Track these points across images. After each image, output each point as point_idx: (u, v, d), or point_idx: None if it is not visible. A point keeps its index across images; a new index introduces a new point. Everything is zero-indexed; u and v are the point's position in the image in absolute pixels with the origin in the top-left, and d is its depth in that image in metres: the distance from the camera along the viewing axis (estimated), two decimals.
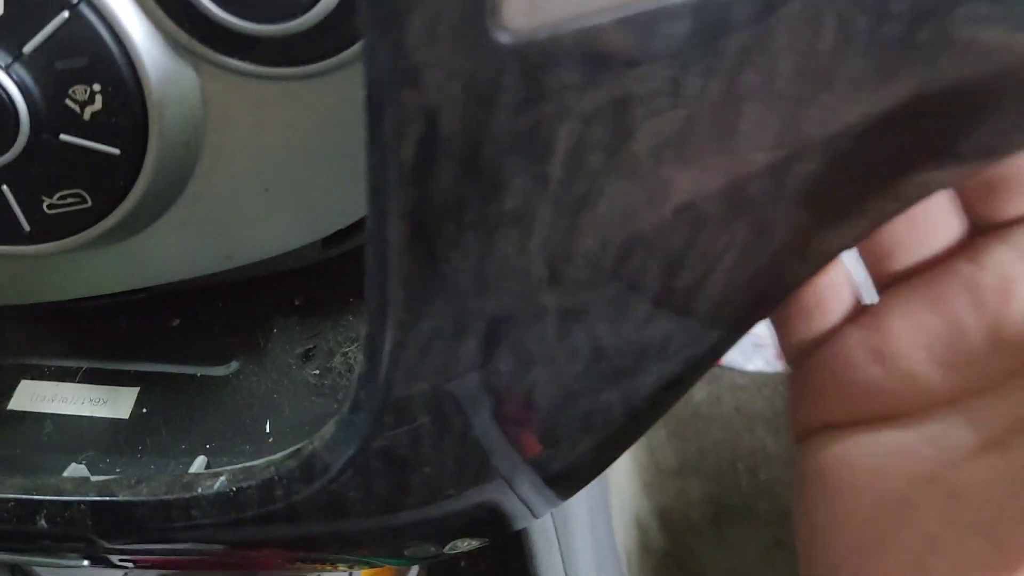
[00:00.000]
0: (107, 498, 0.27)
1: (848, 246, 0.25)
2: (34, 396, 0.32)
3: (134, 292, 0.33)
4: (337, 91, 0.28)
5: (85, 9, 0.24)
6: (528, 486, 0.27)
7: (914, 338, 0.26)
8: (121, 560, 0.30)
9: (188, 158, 0.28)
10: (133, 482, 0.27)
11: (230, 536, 0.27)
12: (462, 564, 0.66)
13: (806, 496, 0.28)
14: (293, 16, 0.24)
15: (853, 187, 0.23)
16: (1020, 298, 0.24)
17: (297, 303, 0.34)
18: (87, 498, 0.27)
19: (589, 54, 0.17)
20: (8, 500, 0.27)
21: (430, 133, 0.17)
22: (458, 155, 0.18)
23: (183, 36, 0.25)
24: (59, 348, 0.34)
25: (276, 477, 0.26)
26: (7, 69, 0.25)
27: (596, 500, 0.84)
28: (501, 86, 0.17)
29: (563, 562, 0.64)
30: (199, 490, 0.26)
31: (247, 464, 0.27)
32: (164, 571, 0.43)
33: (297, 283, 0.34)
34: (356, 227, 0.32)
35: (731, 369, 1.14)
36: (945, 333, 0.25)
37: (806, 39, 0.19)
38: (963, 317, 0.25)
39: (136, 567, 0.31)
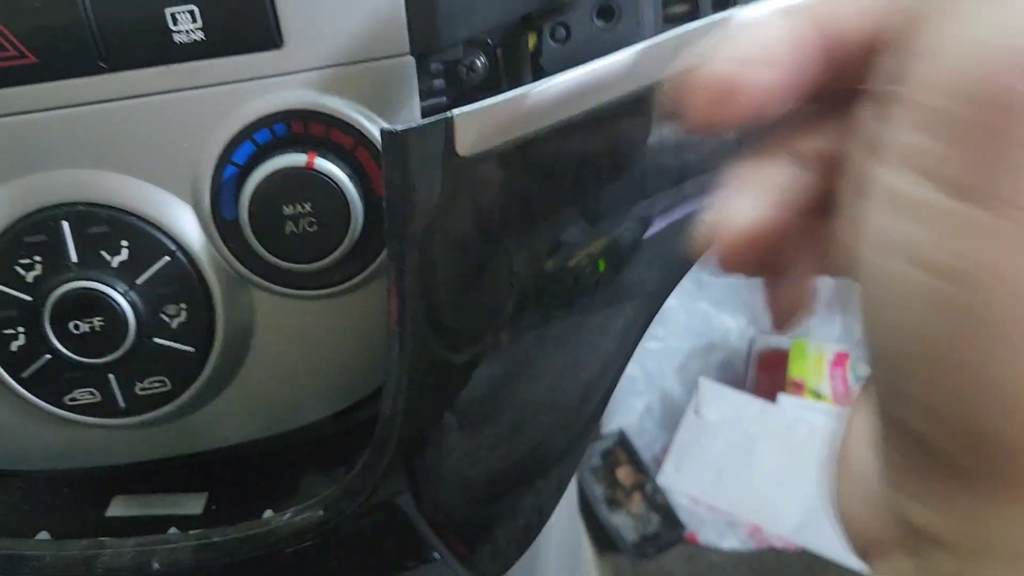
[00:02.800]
0: (205, 541, 0.36)
1: None
2: (127, 504, 0.42)
3: (190, 456, 0.43)
4: (349, 304, 0.39)
5: (180, 255, 0.36)
6: None
7: None
8: None
9: (240, 354, 0.39)
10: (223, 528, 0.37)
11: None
12: None
13: None
14: (318, 259, 0.36)
15: None
16: None
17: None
18: (191, 543, 0.37)
19: (504, 164, 0.31)
20: (128, 550, 0.37)
21: (423, 215, 0.31)
22: (440, 227, 0.31)
23: (244, 271, 0.37)
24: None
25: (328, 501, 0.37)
26: (125, 295, 0.36)
27: None
28: (459, 182, 0.31)
29: None
30: (272, 524, 0.36)
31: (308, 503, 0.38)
32: None
33: (313, 450, 0.44)
34: (359, 406, 0.42)
35: (706, 548, 1.20)
36: None
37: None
38: None
39: None
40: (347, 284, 0.38)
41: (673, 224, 0.38)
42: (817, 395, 1.04)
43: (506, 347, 0.36)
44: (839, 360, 1.05)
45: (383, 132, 0.31)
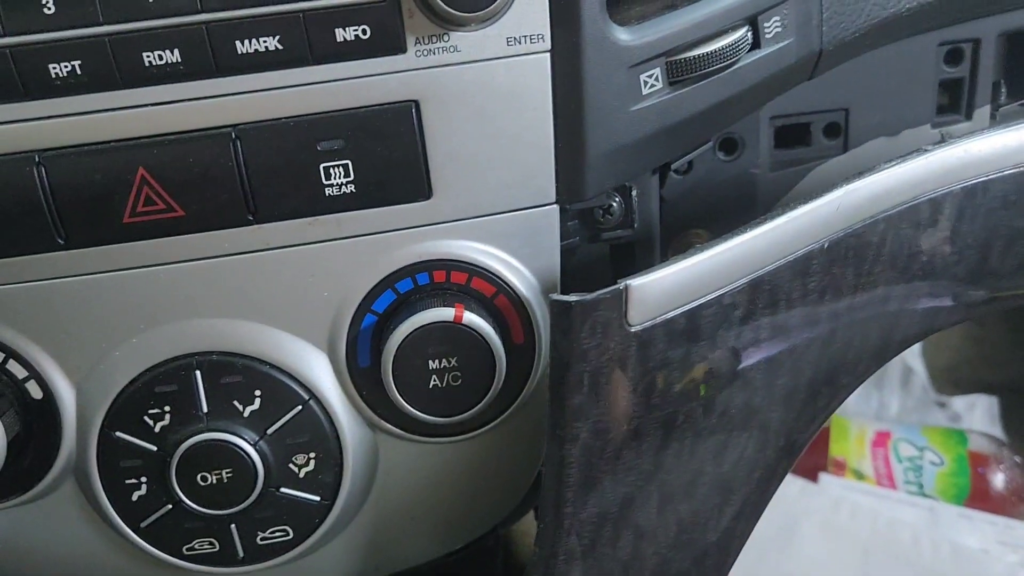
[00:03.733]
0: None
1: None
2: None
3: None
4: (474, 447, 0.38)
5: (313, 404, 0.35)
6: None
7: None
8: None
9: (363, 498, 0.38)
10: None
11: None
12: None
13: None
14: (461, 413, 0.35)
15: None
16: None
17: None
18: None
19: (671, 332, 0.31)
20: None
21: (590, 385, 0.30)
22: (604, 396, 0.31)
23: (375, 418, 0.36)
24: None
25: None
26: (255, 445, 0.35)
27: None
28: (627, 351, 0.30)
29: None
30: None
31: None
32: None
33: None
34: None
35: None
36: None
37: None
38: None
39: None
40: (480, 431, 0.37)
41: (772, 359, 0.37)
42: (859, 475, 1.03)
43: (626, 466, 0.35)
44: (880, 439, 1.04)
45: (553, 302, 0.30)
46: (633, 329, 0.30)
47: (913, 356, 1.10)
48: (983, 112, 0.47)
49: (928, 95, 0.46)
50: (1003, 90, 0.49)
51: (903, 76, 0.45)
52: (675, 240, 0.42)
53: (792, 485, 1.08)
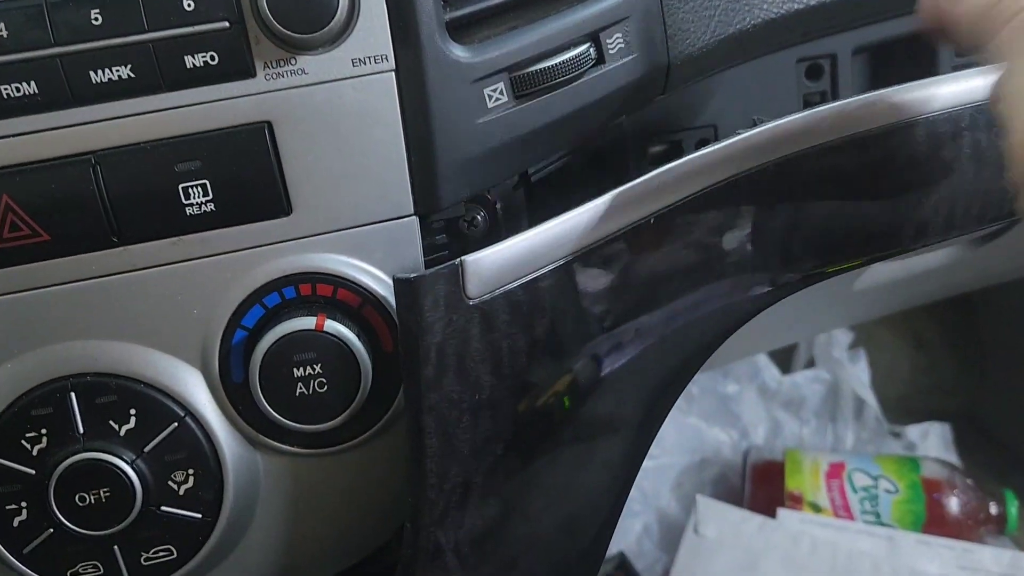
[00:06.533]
0: None
1: None
2: None
3: None
4: (357, 460, 0.39)
5: (189, 420, 0.36)
6: None
7: None
8: None
9: (247, 516, 0.39)
10: None
11: None
12: None
13: None
14: (329, 420, 0.36)
15: None
16: None
17: None
18: None
19: (511, 303, 0.33)
20: None
21: (438, 357, 0.32)
22: (454, 366, 0.32)
23: (253, 432, 0.37)
24: None
25: None
26: (132, 464, 0.36)
27: None
28: (470, 323, 0.32)
29: None
30: None
31: None
32: None
33: None
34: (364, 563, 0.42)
35: None
36: None
37: None
38: None
39: None
40: (356, 441, 0.38)
41: (633, 360, 0.39)
42: (816, 508, 1.03)
43: (496, 485, 0.36)
44: (835, 471, 1.04)
45: (396, 280, 0.32)
46: (472, 302, 0.32)
47: (864, 388, 1.11)
48: None
49: (793, 109, 0.48)
50: None
51: (767, 92, 0.48)
52: None
53: (750, 522, 1.08)
